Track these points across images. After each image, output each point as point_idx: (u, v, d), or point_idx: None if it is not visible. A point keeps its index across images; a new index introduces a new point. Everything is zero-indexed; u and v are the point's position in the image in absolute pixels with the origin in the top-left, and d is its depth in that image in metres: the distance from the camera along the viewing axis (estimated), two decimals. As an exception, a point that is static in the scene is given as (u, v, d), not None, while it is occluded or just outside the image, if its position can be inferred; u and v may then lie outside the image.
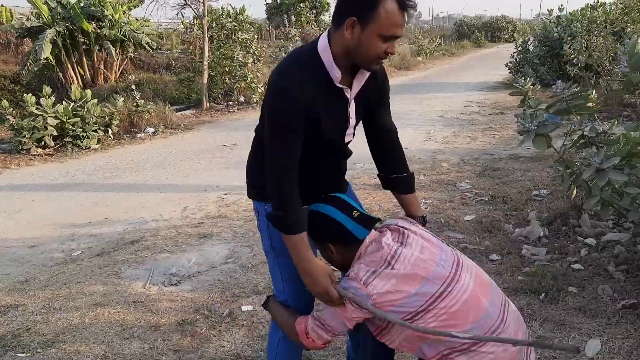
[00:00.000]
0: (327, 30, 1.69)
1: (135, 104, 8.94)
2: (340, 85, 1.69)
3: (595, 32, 9.84)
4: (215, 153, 7.37)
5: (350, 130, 1.83)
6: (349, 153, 1.94)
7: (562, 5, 12.46)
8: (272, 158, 1.68)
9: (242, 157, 7.12)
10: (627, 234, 3.55)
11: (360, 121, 1.91)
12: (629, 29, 8.59)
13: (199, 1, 11.15)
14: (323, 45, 1.66)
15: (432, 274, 1.62)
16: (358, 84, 1.75)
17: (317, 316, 1.75)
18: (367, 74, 1.75)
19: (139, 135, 8.62)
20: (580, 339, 2.57)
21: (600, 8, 11.52)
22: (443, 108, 10.45)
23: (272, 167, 1.68)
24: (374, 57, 1.61)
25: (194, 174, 6.34)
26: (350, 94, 1.75)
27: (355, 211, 1.79)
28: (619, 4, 10.64)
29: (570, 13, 13.05)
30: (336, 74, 1.66)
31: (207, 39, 10.92)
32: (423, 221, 2.04)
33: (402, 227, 1.78)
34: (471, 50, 29.45)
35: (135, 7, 13.91)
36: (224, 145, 7.81)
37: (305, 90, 1.62)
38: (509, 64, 14.06)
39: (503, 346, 1.60)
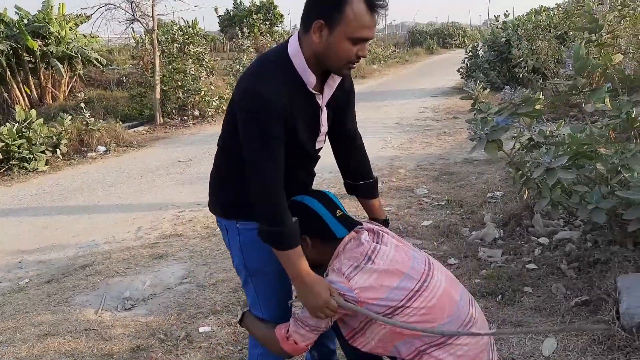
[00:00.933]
0: (296, 33, 1.64)
1: (85, 122, 8.69)
2: (313, 91, 1.64)
3: (540, 36, 10.17)
4: (170, 169, 7.23)
5: (321, 137, 1.80)
6: (318, 158, 1.90)
7: (507, 11, 12.85)
8: (260, 171, 1.58)
9: (198, 172, 7.07)
10: (578, 232, 3.63)
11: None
12: (571, 33, 8.92)
13: (149, 15, 10.97)
14: (294, 49, 1.60)
15: (410, 269, 1.67)
16: (329, 90, 1.71)
17: (299, 317, 1.72)
18: (338, 79, 1.71)
19: (89, 154, 8.37)
20: (536, 338, 2.60)
21: (544, 13, 11.92)
22: (399, 115, 10.57)
23: (261, 181, 1.58)
24: (345, 61, 1.56)
25: (149, 192, 6.19)
26: (322, 100, 1.70)
27: (338, 210, 1.79)
28: (560, 8, 11.03)
29: (515, 18, 13.45)
30: (310, 78, 1.60)
31: (157, 53, 10.74)
32: (386, 223, 2.08)
33: (375, 228, 1.83)
34: (424, 56, 30.00)
35: (82, 23, 13.57)
36: (179, 161, 7.66)
37: (282, 96, 1.55)
38: (460, 69, 14.36)
39: (475, 338, 1.66)
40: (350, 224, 1.79)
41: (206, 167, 7.28)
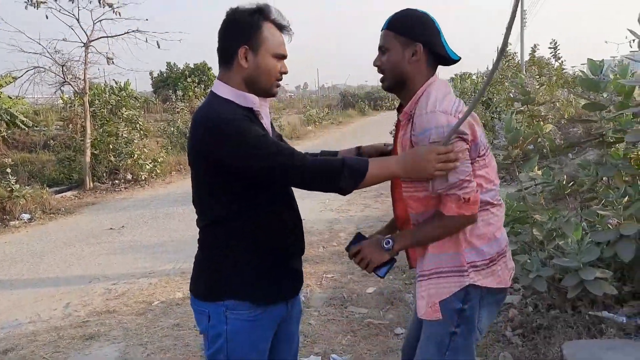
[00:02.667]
0: (215, 80, 1.75)
1: (9, 189, 8.20)
2: (259, 109, 1.70)
3: (465, 101, 10.75)
4: (101, 238, 6.88)
5: None
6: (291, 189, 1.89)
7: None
8: (278, 153, 1.59)
9: (131, 240, 6.78)
10: (518, 295, 3.71)
11: None
12: (495, 99, 9.50)
13: (80, 78, 10.75)
14: (221, 88, 1.70)
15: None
16: (265, 115, 1.76)
17: (451, 184, 1.63)
18: (266, 103, 1.78)
19: (12, 223, 7.86)
20: (490, 412, 2.57)
21: (469, 79, 12.69)
22: (335, 176, 10.69)
23: (289, 160, 1.59)
24: (274, 77, 1.71)
25: (77, 263, 5.83)
26: (265, 122, 1.75)
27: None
28: (484, 77, 11.80)
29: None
30: (250, 98, 1.68)
31: (89, 116, 10.47)
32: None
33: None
34: (357, 118, 30.98)
35: (7, 84, 13.08)
36: (111, 229, 7.33)
37: (238, 113, 1.63)
38: (392, 132, 14.85)
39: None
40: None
41: (140, 234, 7.14)
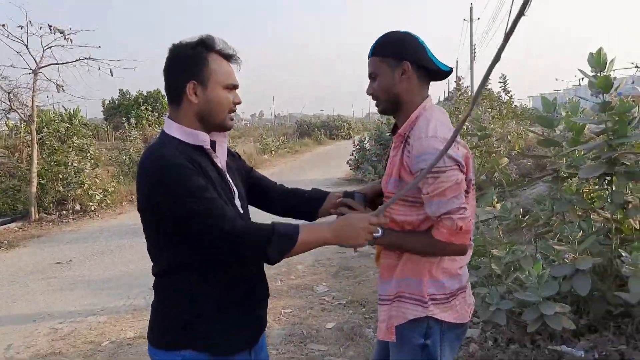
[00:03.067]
0: (165, 119, 1.69)
1: (-54, 221, 7.74)
2: (208, 148, 1.64)
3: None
4: (47, 273, 6.54)
5: (237, 202, 1.71)
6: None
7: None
8: (208, 211, 1.48)
9: (79, 275, 6.47)
10: (477, 329, 3.72)
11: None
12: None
13: (27, 106, 10.38)
14: (173, 126, 1.63)
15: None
16: (221, 149, 1.71)
17: (446, 211, 1.61)
18: (225, 138, 1.73)
19: (-51, 257, 7.40)
20: None
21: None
22: (292, 206, 10.62)
23: (216, 218, 1.48)
24: (227, 109, 1.65)
25: (20, 300, 5.51)
26: (220, 160, 1.69)
27: None
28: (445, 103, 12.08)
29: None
30: (201, 136, 1.62)
31: (36, 144, 10.08)
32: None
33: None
34: (313, 147, 31.11)
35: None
36: (57, 263, 6.98)
37: (182, 156, 1.55)
38: (349, 161, 14.98)
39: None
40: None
41: (88, 269, 6.83)
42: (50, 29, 10.25)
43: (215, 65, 1.62)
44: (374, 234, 1.66)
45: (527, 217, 3.49)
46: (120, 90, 31.52)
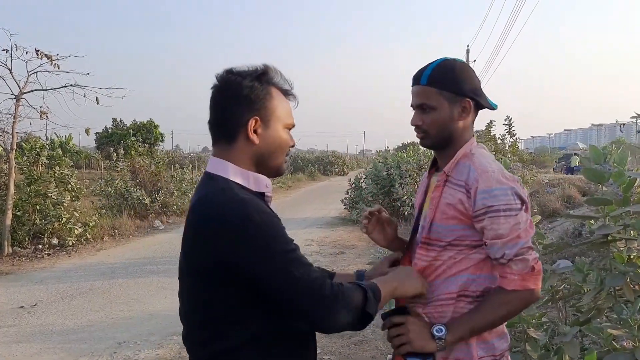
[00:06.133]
0: (211, 159, 1.45)
1: None
2: (270, 195, 1.46)
3: (422, 174, 10.55)
4: (6, 319, 5.85)
5: None
6: None
7: (387, 147, 13.39)
8: (307, 275, 1.30)
9: (42, 324, 5.71)
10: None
11: None
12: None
13: (8, 133, 9.83)
14: (229, 168, 1.40)
15: None
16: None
17: (516, 252, 1.47)
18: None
19: None
20: None
21: (422, 151, 12.54)
22: (283, 248, 10.02)
23: (314, 281, 1.31)
24: (285, 152, 1.49)
25: (-31, 354, 4.83)
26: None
27: None
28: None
29: (398, 154, 14.04)
30: (265, 181, 1.44)
31: (13, 173, 9.49)
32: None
33: None
34: (306, 183, 30.66)
35: None
36: (21, 307, 6.28)
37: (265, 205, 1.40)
38: (344, 200, 14.44)
39: None
40: None
41: (52, 316, 6.06)
42: (37, 54, 9.82)
43: (278, 103, 1.45)
44: (437, 334, 1.48)
45: (562, 286, 2.93)
46: (114, 119, 31.19)
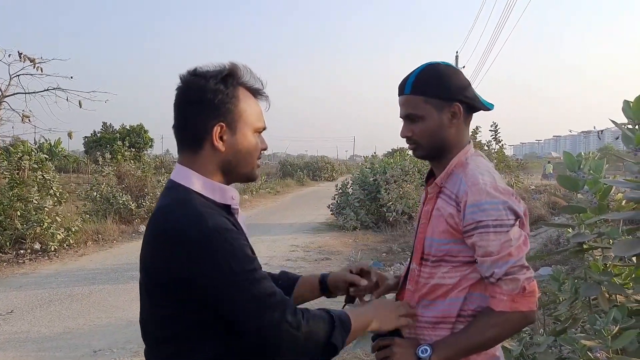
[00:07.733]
0: (177, 165, 1.37)
1: None
2: (236, 208, 1.38)
3: (408, 180, 10.55)
4: (-20, 327, 5.73)
5: None
6: None
7: (375, 152, 13.38)
8: (269, 296, 1.23)
9: (16, 332, 5.55)
10: None
11: None
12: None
13: (-12, 135, 9.70)
14: (193, 178, 1.31)
15: None
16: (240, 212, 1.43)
17: (506, 271, 1.39)
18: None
19: None
20: None
21: (408, 158, 12.55)
22: (268, 253, 9.93)
23: (277, 304, 1.24)
24: (255, 157, 1.40)
25: (-61, 362, 4.70)
26: (241, 220, 1.40)
27: None
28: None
29: (384, 161, 14.02)
30: (230, 193, 1.35)
31: (-6, 178, 9.36)
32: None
33: None
34: (295, 188, 30.55)
35: None
36: (-4, 314, 6.17)
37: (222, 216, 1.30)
38: (330, 206, 14.38)
39: None
40: None
41: (29, 323, 5.91)
42: (20, 57, 9.74)
43: (245, 104, 1.35)
44: (422, 355, 1.43)
45: (540, 294, 2.89)
46: (104, 123, 31.01)
